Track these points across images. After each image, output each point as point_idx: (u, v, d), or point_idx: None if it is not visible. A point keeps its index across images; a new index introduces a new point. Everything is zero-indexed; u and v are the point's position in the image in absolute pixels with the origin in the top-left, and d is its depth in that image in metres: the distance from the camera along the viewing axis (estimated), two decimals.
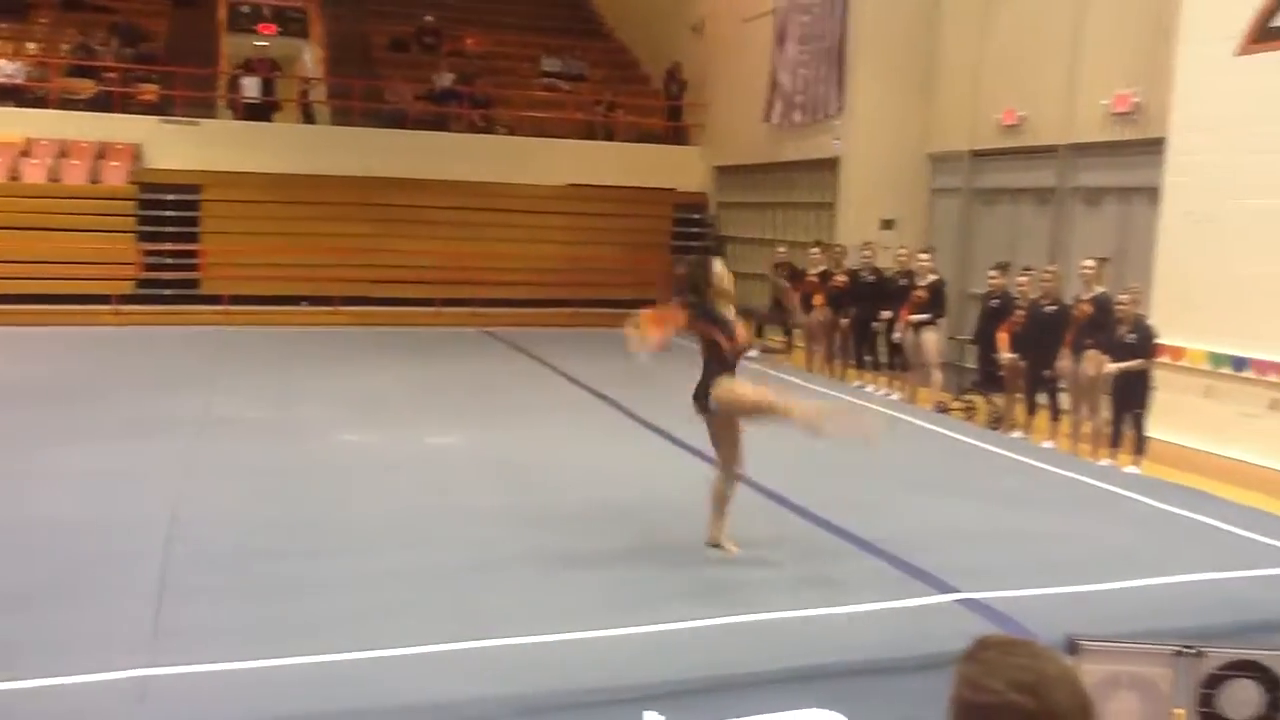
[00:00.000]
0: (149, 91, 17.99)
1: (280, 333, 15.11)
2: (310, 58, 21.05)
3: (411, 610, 5.19)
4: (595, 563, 5.99)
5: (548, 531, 6.56)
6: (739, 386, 6.08)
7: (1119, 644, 2.61)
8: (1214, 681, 2.46)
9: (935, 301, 11.56)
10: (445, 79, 19.51)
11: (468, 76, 19.87)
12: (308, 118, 19.29)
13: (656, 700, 4.35)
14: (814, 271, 13.43)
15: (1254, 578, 6.21)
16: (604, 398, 11.21)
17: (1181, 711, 2.52)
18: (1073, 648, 2.44)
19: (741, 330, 6.29)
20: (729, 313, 6.21)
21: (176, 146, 17.26)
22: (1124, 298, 9.21)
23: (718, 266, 6.29)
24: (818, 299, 13.12)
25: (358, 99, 18.95)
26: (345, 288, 16.88)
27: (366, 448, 8.65)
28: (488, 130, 19.21)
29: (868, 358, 12.90)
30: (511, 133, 19.26)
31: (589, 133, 19.95)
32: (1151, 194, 10.73)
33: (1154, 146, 10.62)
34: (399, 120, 18.70)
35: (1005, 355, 10.25)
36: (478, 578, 5.69)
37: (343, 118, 18.94)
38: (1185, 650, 2.44)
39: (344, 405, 10.25)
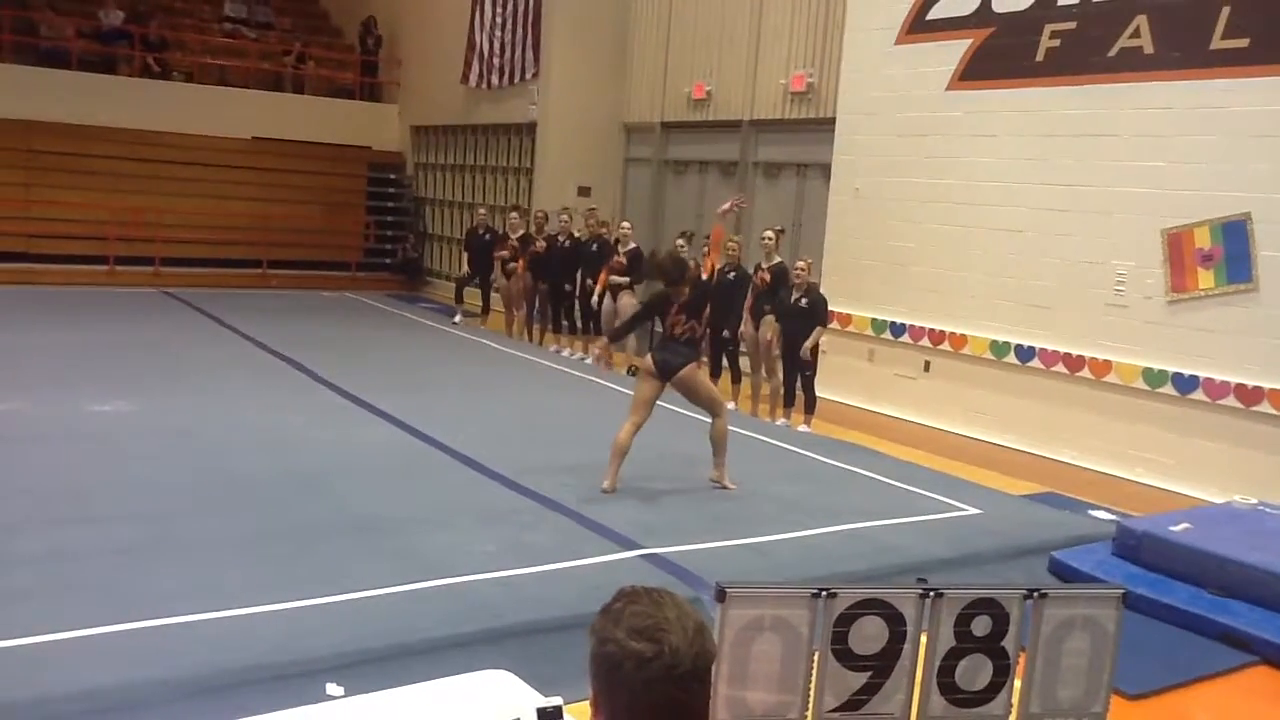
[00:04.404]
0: None
1: None
2: None
3: (61, 594, 4.75)
4: (276, 534, 5.75)
5: (225, 502, 6.24)
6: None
7: (762, 589, 2.80)
8: (845, 620, 2.70)
9: (633, 268, 11.90)
10: (114, 17, 17.89)
11: (140, 16, 18.34)
12: None
13: (337, 671, 4.25)
14: (514, 236, 13.47)
15: (900, 524, 6.84)
16: (291, 361, 10.77)
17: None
18: (720, 595, 2.60)
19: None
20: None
21: None
22: (799, 266, 9.81)
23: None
24: (518, 264, 13.19)
25: (7, 32, 17.05)
26: None
27: (10, 416, 7.85)
28: (163, 76, 17.84)
29: (564, 322, 13.10)
30: (190, 80, 18.01)
31: (276, 84, 18.95)
32: (824, 169, 11.50)
33: (826, 125, 11.38)
34: (60, 59, 17.00)
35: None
36: (143, 555, 5.29)
37: None
38: (820, 592, 2.66)
39: None
